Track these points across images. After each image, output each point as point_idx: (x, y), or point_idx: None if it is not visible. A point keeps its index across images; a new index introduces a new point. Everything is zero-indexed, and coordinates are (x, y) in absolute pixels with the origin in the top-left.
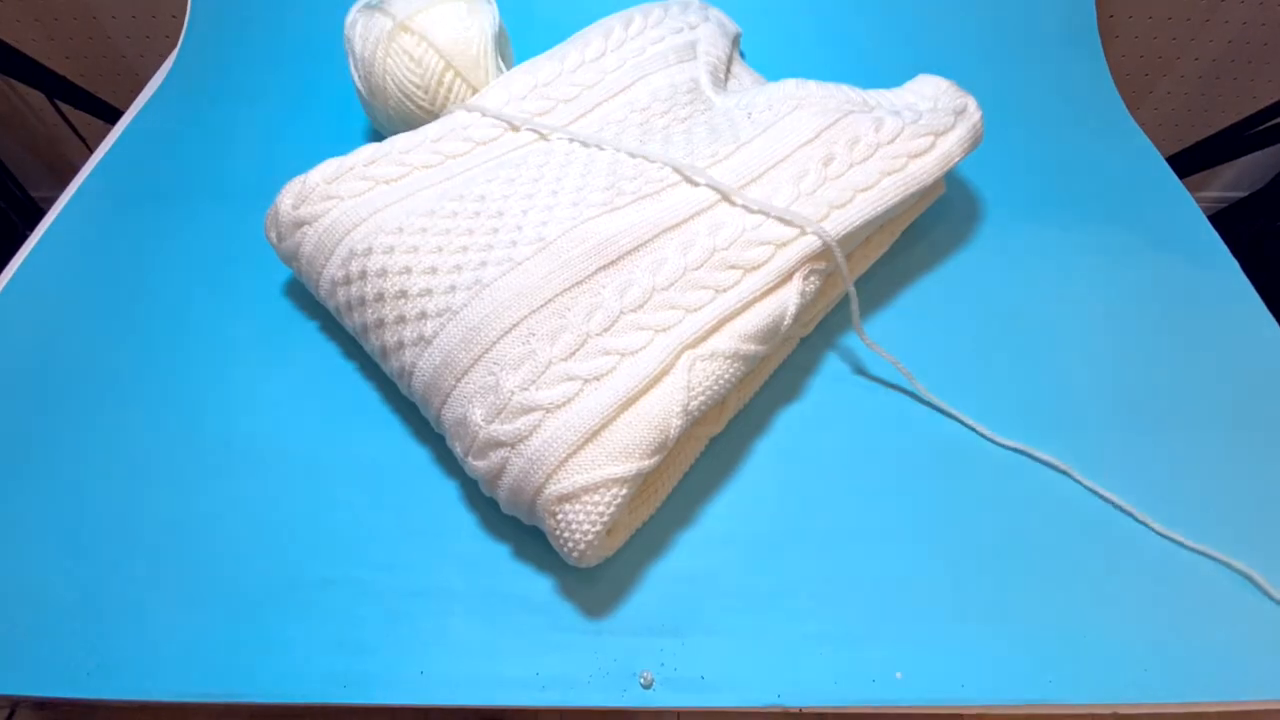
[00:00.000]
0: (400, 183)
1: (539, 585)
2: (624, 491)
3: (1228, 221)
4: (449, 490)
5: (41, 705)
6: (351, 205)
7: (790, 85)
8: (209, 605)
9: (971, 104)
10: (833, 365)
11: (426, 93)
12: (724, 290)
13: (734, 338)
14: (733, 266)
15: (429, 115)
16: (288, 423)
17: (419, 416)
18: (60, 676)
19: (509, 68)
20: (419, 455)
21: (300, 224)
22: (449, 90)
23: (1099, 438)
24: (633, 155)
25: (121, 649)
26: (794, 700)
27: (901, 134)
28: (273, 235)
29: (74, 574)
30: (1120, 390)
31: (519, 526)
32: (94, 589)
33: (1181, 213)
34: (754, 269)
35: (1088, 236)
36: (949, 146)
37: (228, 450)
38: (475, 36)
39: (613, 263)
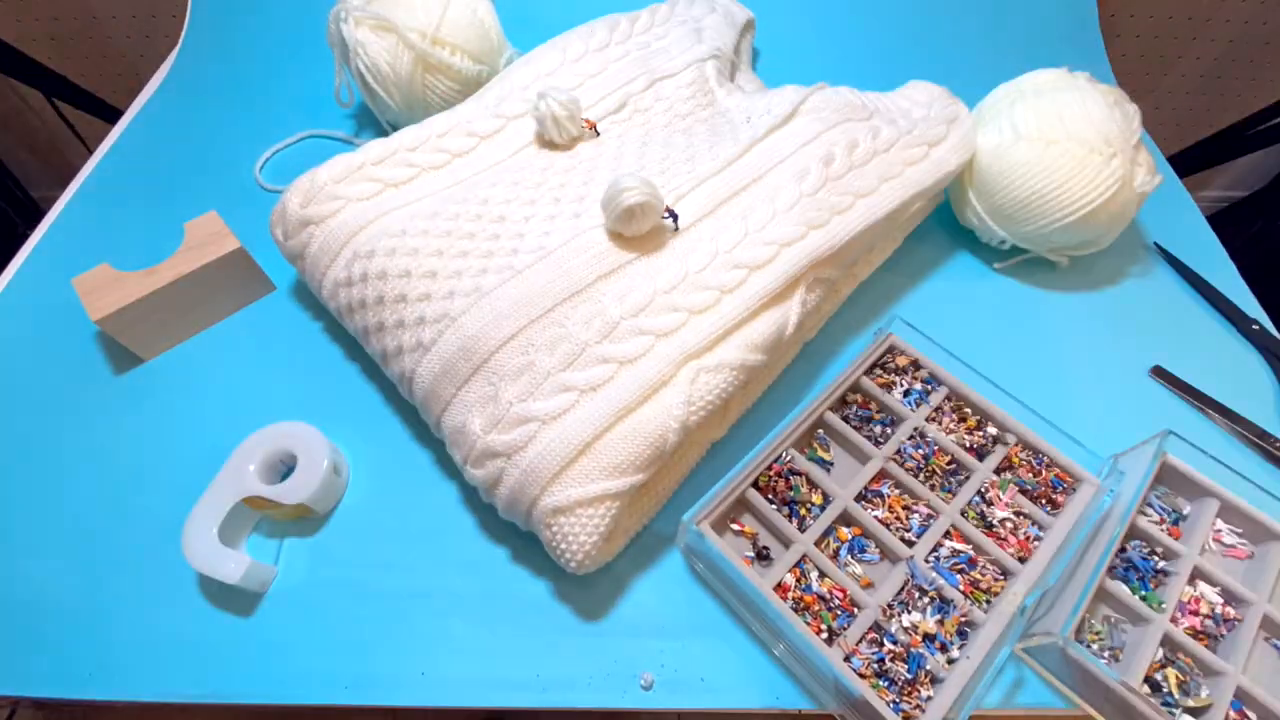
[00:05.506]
0: (407, 186)
1: (539, 587)
2: (618, 504)
3: (1228, 221)
4: (449, 493)
5: (41, 705)
6: (360, 208)
7: (789, 91)
8: (210, 607)
9: (963, 112)
10: (835, 370)
11: (464, 93)
12: (730, 290)
13: (740, 348)
14: (738, 266)
15: (463, 99)
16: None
17: (420, 420)
18: (61, 678)
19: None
20: (420, 458)
21: (307, 223)
22: (482, 84)
23: (1102, 435)
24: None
25: (121, 650)
26: (792, 702)
27: (897, 143)
28: (279, 233)
29: (74, 575)
30: (1123, 388)
31: (518, 529)
32: (94, 590)
33: (1181, 212)
34: (759, 267)
35: None
36: (942, 154)
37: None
38: (490, 24)
39: (613, 270)
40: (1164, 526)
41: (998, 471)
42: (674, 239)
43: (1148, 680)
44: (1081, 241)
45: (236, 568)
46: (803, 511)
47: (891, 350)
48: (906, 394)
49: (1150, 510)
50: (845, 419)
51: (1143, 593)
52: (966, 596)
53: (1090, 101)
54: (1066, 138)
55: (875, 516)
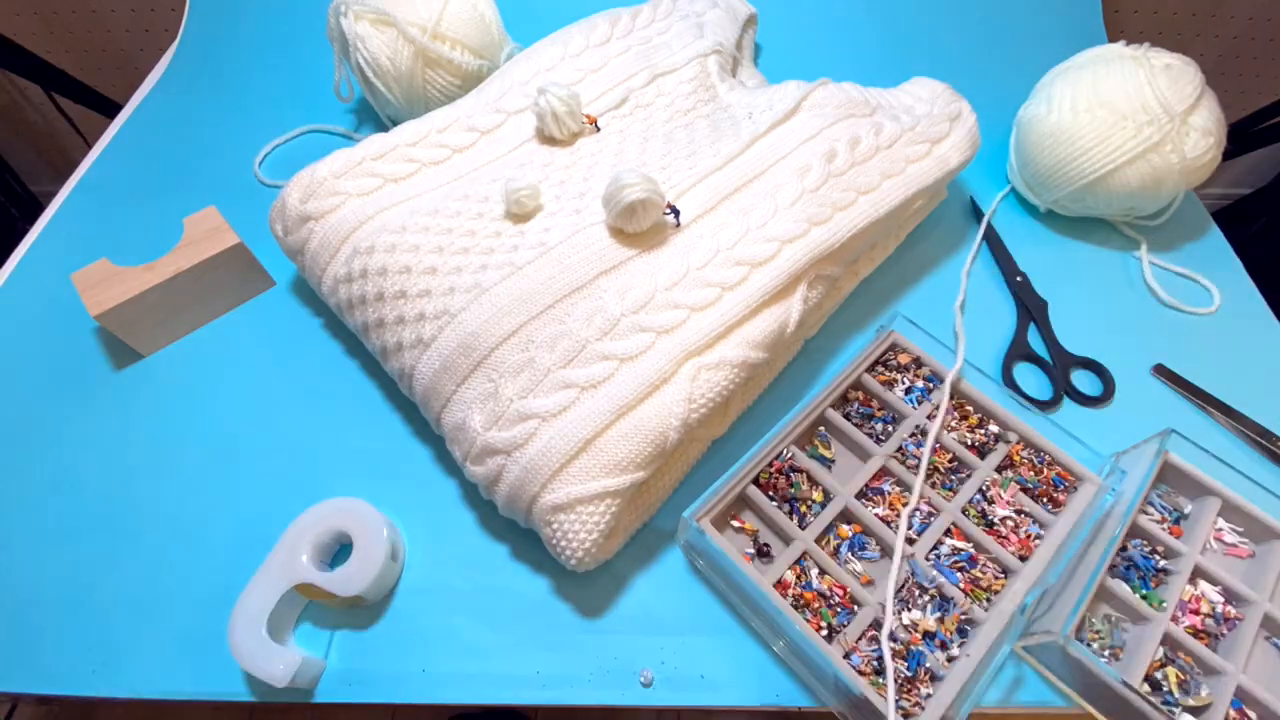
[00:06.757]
0: (408, 181)
1: (539, 584)
2: (618, 502)
3: (1230, 219)
4: (449, 489)
5: (43, 701)
6: (360, 204)
7: (791, 86)
8: (210, 603)
9: (966, 109)
10: (836, 367)
11: (464, 88)
12: (731, 287)
13: (741, 345)
14: (739, 263)
15: (463, 94)
16: (289, 421)
17: (420, 416)
18: (62, 674)
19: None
20: (420, 454)
21: (307, 219)
22: (482, 78)
23: (1103, 433)
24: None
25: (122, 647)
26: (792, 699)
27: (900, 140)
28: (278, 229)
29: (75, 573)
30: (1125, 386)
31: (518, 526)
32: (95, 588)
33: (1185, 210)
34: (760, 264)
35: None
36: (945, 152)
37: (228, 448)
38: (491, 19)
39: (614, 267)
40: (1165, 525)
41: (999, 469)
42: (675, 235)
43: (1148, 679)
44: (1121, 206)
45: (285, 670)
46: (803, 509)
47: (893, 348)
48: (908, 391)
49: (1151, 509)
50: (847, 416)
51: (1143, 591)
52: (967, 594)
53: (1128, 71)
54: (1099, 106)
55: (876, 514)
